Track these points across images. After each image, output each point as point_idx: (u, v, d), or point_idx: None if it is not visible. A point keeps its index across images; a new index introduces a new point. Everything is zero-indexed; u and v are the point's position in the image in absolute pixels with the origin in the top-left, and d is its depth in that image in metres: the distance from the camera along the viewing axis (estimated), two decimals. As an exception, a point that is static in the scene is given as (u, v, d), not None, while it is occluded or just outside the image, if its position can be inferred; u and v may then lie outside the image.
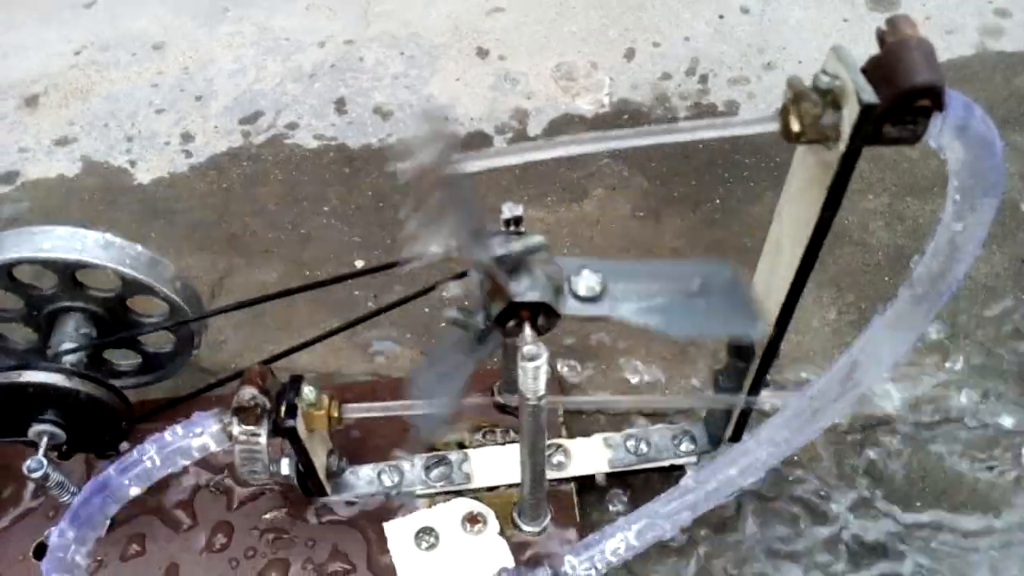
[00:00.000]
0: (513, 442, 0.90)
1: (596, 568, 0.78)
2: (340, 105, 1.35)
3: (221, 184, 1.26)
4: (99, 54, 1.46)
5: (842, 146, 0.53)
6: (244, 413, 0.70)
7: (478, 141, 1.29)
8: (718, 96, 1.35)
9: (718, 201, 1.20)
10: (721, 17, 1.47)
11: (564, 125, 1.31)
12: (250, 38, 1.48)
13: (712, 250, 1.14)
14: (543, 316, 0.64)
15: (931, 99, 0.51)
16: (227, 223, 1.21)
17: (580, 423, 0.98)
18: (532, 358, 0.61)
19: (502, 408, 0.93)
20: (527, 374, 0.63)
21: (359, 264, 1.15)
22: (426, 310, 1.09)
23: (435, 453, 0.88)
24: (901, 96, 0.50)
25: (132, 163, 1.30)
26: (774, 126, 0.56)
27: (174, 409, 0.86)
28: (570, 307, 0.65)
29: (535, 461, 0.74)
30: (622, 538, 0.77)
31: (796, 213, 0.61)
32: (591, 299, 0.66)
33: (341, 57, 1.43)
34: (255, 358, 1.05)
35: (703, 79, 1.37)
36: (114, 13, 1.53)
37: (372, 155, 1.28)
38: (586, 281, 0.66)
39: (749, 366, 0.75)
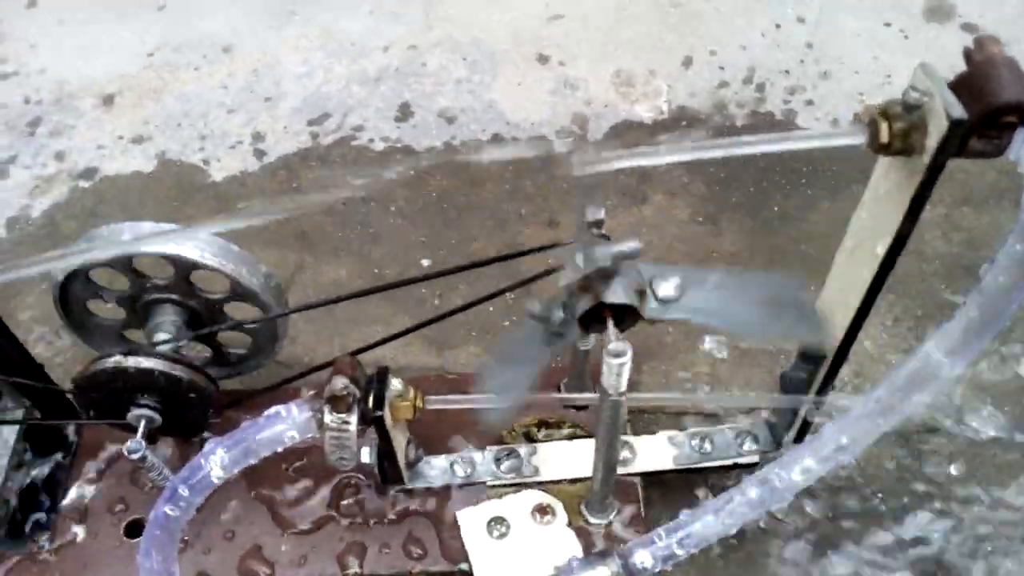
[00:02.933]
0: (578, 437, 0.94)
1: (664, 559, 0.80)
2: (405, 108, 1.39)
3: (291, 183, 1.31)
4: (172, 55, 1.52)
5: (927, 158, 0.55)
6: (336, 402, 0.74)
7: (539, 146, 1.32)
8: (775, 104, 1.37)
9: (776, 208, 1.23)
10: (777, 26, 1.49)
11: (624, 131, 1.34)
12: (316, 41, 1.52)
13: (771, 256, 1.17)
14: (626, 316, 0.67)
15: (1018, 115, 0.53)
16: (298, 221, 1.25)
17: (642, 422, 1.01)
18: (618, 355, 0.64)
19: (568, 404, 0.96)
20: (611, 370, 0.66)
21: (425, 263, 1.19)
22: (491, 309, 1.13)
23: (505, 446, 0.92)
24: (990, 112, 0.52)
25: (205, 161, 1.35)
26: (860, 138, 0.58)
27: (253, 400, 0.90)
28: (651, 310, 0.68)
29: (609, 455, 0.77)
30: (690, 531, 0.80)
31: (875, 222, 0.64)
32: (669, 302, 0.69)
33: (405, 61, 1.47)
34: (327, 351, 1.10)
35: (760, 87, 1.39)
36: (185, 15, 1.59)
37: (437, 157, 1.32)
38: (665, 285, 0.69)
39: (817, 370, 0.77)
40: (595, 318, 0.68)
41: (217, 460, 0.77)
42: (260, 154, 1.35)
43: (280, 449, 0.77)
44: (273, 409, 0.77)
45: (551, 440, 0.93)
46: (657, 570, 0.80)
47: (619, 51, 1.47)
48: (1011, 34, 1.43)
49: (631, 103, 1.38)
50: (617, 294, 0.65)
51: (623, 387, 0.68)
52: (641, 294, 0.68)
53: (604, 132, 1.34)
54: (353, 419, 0.75)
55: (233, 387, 0.98)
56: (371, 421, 0.76)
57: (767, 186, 1.26)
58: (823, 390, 0.79)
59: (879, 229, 0.63)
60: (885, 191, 0.62)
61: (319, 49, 1.51)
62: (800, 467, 0.80)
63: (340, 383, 0.74)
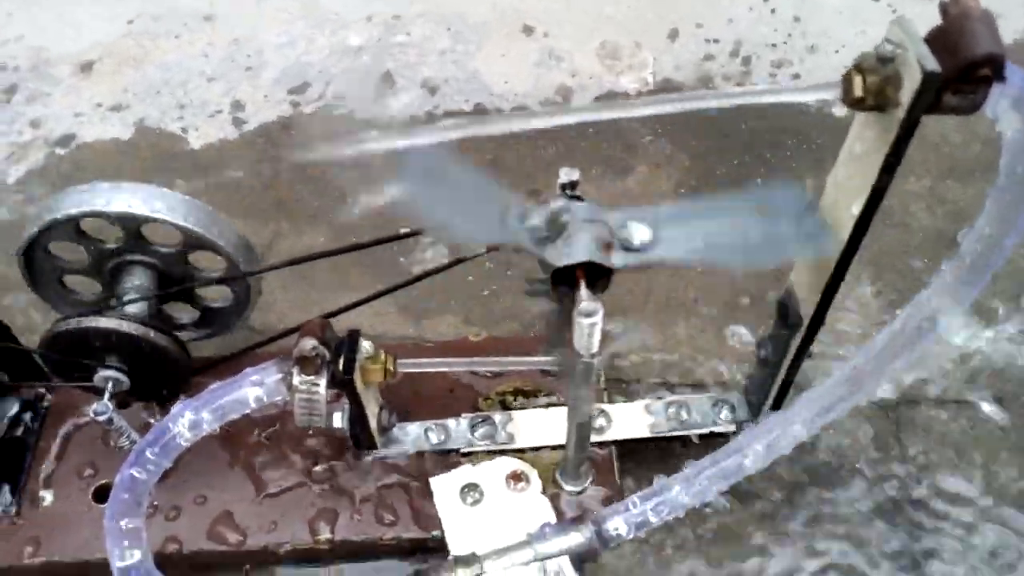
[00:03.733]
0: (554, 406, 0.93)
1: (638, 526, 0.80)
2: (387, 78, 1.38)
3: (270, 152, 1.29)
4: (152, 24, 1.49)
5: (902, 113, 0.54)
6: (305, 363, 0.73)
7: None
8: (761, 78, 1.36)
9: (759, 181, 1.22)
10: (764, 0, 1.48)
11: (608, 103, 1.33)
12: (297, 12, 1.50)
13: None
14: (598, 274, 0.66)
15: (992, 69, 0.52)
16: (275, 189, 1.24)
17: (620, 392, 1.00)
18: (588, 314, 0.63)
19: (546, 372, 0.95)
20: (582, 331, 0.65)
21: (403, 230, 1.18)
22: (470, 279, 1.12)
23: (480, 413, 0.91)
24: (963, 66, 0.51)
25: (184, 129, 1.33)
26: (833, 92, 0.57)
27: (226, 364, 0.89)
28: (621, 259, 0.66)
29: (582, 420, 0.77)
30: (665, 499, 0.80)
31: (851, 180, 0.63)
32: (642, 249, 0.66)
33: (388, 32, 1.45)
34: (302, 318, 1.09)
35: (746, 61, 1.38)
36: (166, -17, 1.56)
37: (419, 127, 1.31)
38: (636, 231, 0.66)
39: (794, 334, 0.77)
40: (567, 278, 0.67)
41: (185, 422, 0.76)
42: (239, 123, 1.33)
43: (249, 411, 0.76)
44: (242, 372, 0.77)
45: (527, 408, 0.92)
46: (630, 537, 0.80)
47: (604, 23, 1.45)
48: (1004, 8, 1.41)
49: (616, 75, 1.37)
50: (566, 256, 0.63)
51: (595, 348, 0.67)
52: (608, 246, 0.66)
53: (588, 103, 1.32)
54: (323, 381, 0.74)
55: (207, 354, 0.97)
56: (341, 383, 0.75)
57: (751, 160, 1.25)
58: (799, 356, 0.79)
59: (855, 188, 0.62)
60: (861, 149, 0.61)
61: (301, 19, 1.49)
62: (773, 436, 0.80)
63: (309, 344, 0.73)
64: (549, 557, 0.77)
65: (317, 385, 0.74)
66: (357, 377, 0.76)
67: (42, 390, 0.94)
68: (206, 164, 1.28)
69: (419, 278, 0.88)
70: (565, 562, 0.76)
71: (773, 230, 0.67)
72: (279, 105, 1.35)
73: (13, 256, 0.84)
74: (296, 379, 0.74)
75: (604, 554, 0.80)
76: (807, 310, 0.73)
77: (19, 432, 0.92)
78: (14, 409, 0.92)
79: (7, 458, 0.90)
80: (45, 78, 1.41)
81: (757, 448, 0.79)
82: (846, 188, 0.64)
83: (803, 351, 0.78)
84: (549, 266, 0.63)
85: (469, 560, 0.77)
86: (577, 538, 0.78)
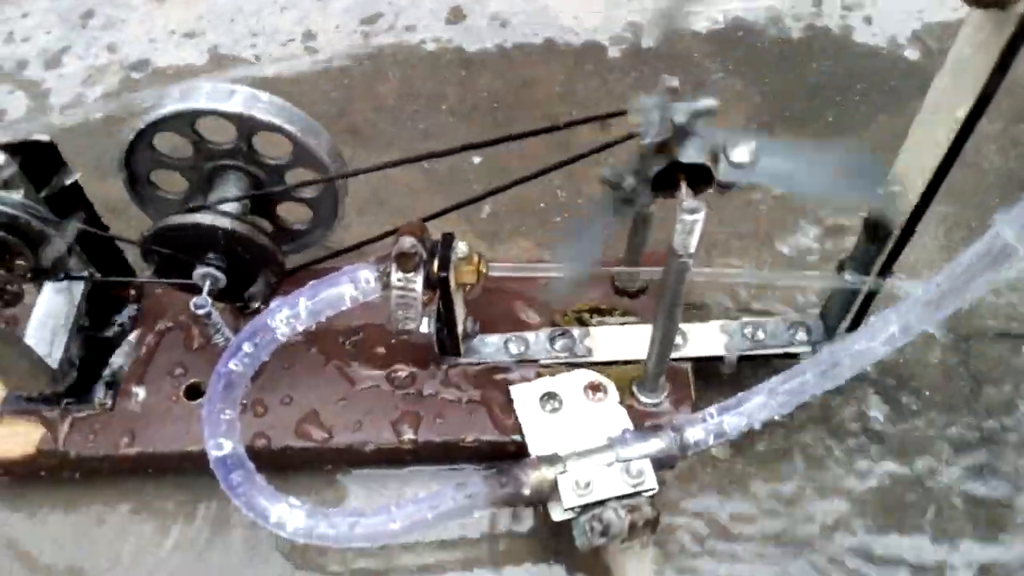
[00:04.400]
0: (630, 324, 0.95)
1: (716, 436, 0.82)
2: (457, 11, 1.39)
3: (342, 80, 1.31)
4: (224, -47, 1.51)
5: (1022, 7, 0.55)
6: (404, 259, 0.75)
7: (593, 52, 1.32)
8: (831, 19, 1.35)
9: (830, 119, 1.22)
10: (837, -58, 1.47)
11: (676, 41, 1.33)
12: (368, -55, 1.51)
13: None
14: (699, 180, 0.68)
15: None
16: (348, 117, 1.26)
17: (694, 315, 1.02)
18: (692, 211, 0.65)
19: (620, 292, 0.97)
20: (684, 227, 0.66)
21: (476, 160, 1.20)
22: (542, 206, 1.14)
23: (558, 327, 0.93)
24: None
25: (257, 57, 1.35)
26: None
27: (315, 269, 0.91)
28: (724, 172, 0.68)
29: (669, 325, 0.78)
30: (744, 410, 0.81)
31: (957, 86, 0.64)
32: (743, 167, 0.69)
33: (458, -35, 1.46)
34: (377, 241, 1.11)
35: (817, 1, 1.37)
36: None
37: (488, 59, 1.32)
38: (739, 151, 0.69)
39: (881, 248, 0.78)
40: (668, 180, 0.68)
41: (282, 317, 0.79)
42: (311, 51, 1.35)
43: (344, 308, 0.79)
44: (339, 270, 0.79)
45: (604, 325, 0.94)
46: (707, 446, 0.82)
47: (674, -37, 1.45)
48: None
49: (685, 14, 1.37)
50: (692, 154, 0.66)
51: (692, 248, 0.68)
52: (715, 158, 0.68)
53: (657, 40, 1.33)
54: (419, 279, 0.76)
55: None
56: (436, 282, 0.77)
57: (821, 101, 1.25)
58: (885, 272, 0.80)
59: (961, 93, 0.63)
60: (971, 51, 0.62)
61: (372, -49, 1.50)
62: (854, 351, 0.81)
63: (408, 241, 0.75)
64: (630, 460, 0.79)
65: (414, 283, 0.76)
66: (451, 276, 0.78)
67: (133, 292, 0.97)
68: (278, 91, 1.29)
69: (499, 190, 0.89)
70: (646, 464, 0.79)
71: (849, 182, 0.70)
72: (350, 35, 1.36)
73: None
74: (394, 276, 0.76)
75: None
76: (900, 219, 0.74)
77: (113, 332, 0.96)
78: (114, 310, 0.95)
79: (102, 356, 0.93)
80: (120, 6, 1.44)
81: (837, 364, 0.81)
82: (950, 94, 0.65)
83: (888, 267, 0.79)
84: (669, 158, 0.65)
85: (552, 459, 0.80)
86: (657, 444, 0.80)
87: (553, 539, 0.87)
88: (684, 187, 0.67)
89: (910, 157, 0.72)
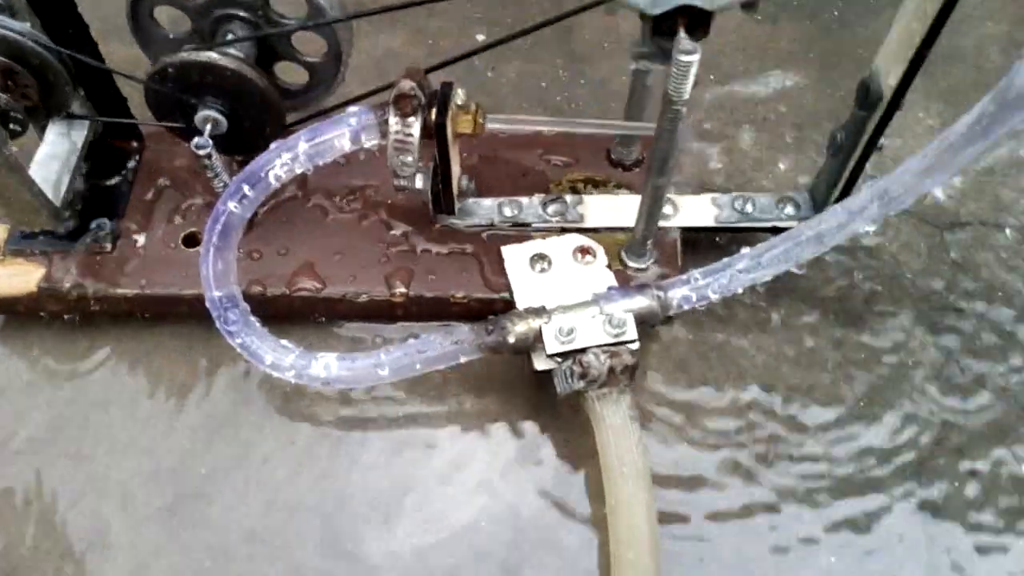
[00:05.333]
0: (623, 194, 0.96)
1: (699, 298, 0.84)
2: None
3: (349, -45, 1.30)
4: None
5: None
6: (403, 101, 0.76)
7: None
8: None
9: (836, 13, 1.22)
10: None
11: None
12: None
13: (825, 58, 1.17)
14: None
15: None
16: (354, -9, 1.25)
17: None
18: (687, 52, 0.66)
19: (615, 164, 0.98)
20: (679, 71, 0.67)
21: (480, 38, 1.20)
22: (543, 85, 1.14)
23: (551, 193, 0.94)
24: None
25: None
26: None
27: (315, 120, 0.92)
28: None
29: (660, 181, 0.80)
30: (729, 274, 0.83)
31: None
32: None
33: None
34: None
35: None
36: None
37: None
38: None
39: (872, 115, 0.79)
40: (668, 26, 0.69)
41: (280, 160, 0.80)
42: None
43: (344, 152, 0.80)
44: (337, 115, 0.80)
45: (596, 193, 0.96)
46: (690, 306, 0.84)
47: None
48: None
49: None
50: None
51: (686, 95, 0.69)
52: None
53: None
54: (417, 124, 0.78)
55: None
56: (434, 128, 0.79)
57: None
58: (872, 143, 0.81)
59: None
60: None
61: None
62: (842, 219, 0.83)
63: (408, 84, 0.76)
64: (613, 314, 0.81)
65: (411, 127, 0.78)
66: (449, 124, 0.79)
67: (135, 144, 0.99)
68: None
69: (498, 43, 0.88)
70: (629, 316, 0.81)
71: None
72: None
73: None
74: (392, 120, 0.78)
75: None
76: (890, 83, 0.75)
77: (115, 181, 0.97)
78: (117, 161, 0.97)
79: (103, 203, 0.95)
80: None
81: (824, 231, 0.83)
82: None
83: (878, 134, 0.80)
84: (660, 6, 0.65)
85: (539, 311, 0.82)
86: (641, 301, 0.83)
87: (535, 394, 0.90)
88: (682, 32, 0.67)
89: (901, 26, 0.73)
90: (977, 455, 0.87)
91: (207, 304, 0.84)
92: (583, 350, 0.79)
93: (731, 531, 0.83)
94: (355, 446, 0.88)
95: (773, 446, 0.88)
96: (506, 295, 0.89)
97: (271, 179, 0.81)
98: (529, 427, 0.89)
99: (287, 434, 0.89)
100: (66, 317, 0.94)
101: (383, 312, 0.92)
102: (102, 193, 0.96)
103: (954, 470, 0.86)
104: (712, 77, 1.15)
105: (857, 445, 0.88)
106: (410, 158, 0.79)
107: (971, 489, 0.85)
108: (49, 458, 0.88)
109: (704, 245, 0.97)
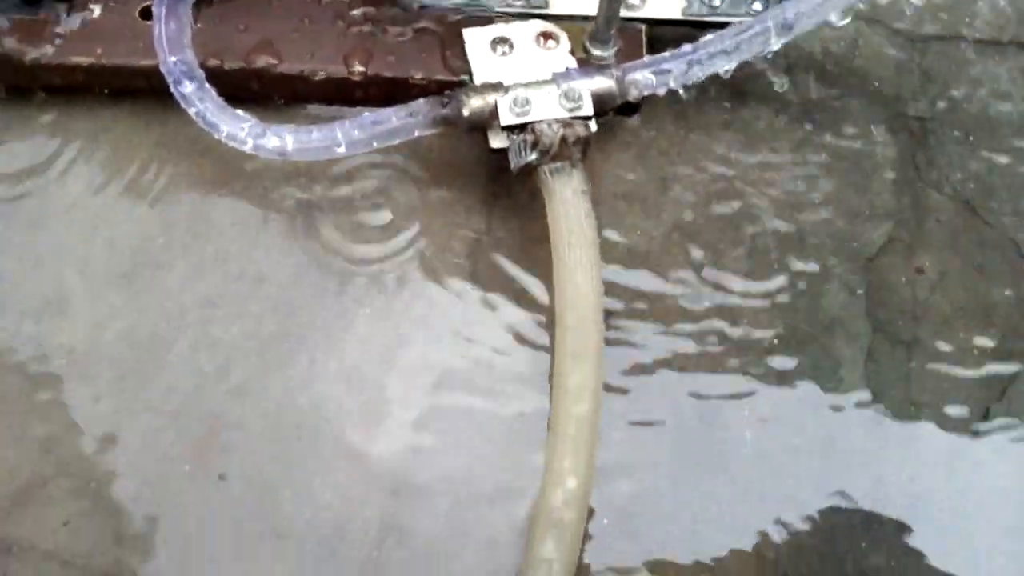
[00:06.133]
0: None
1: (659, 81, 0.83)
2: None
3: None
4: None
5: None
6: None
7: None
8: None
9: None
10: None
11: None
12: None
13: None
14: None
15: None
16: None
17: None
18: None
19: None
20: None
21: None
22: None
23: (518, -22, 0.92)
24: None
25: None
26: None
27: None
28: None
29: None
30: (693, 58, 0.83)
31: None
32: None
33: None
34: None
35: None
36: None
37: None
38: None
39: None
40: None
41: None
42: None
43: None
44: None
45: (563, -17, 0.94)
46: (651, 90, 0.84)
47: None
48: None
49: None
50: None
51: None
52: None
53: None
54: None
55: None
56: None
57: None
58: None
59: None
60: None
61: None
62: (808, 6, 0.82)
63: None
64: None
65: None
66: None
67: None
68: None
69: None
70: (586, 92, 0.81)
71: None
72: None
73: None
74: None
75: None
76: None
77: (68, -50, 0.94)
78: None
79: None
80: None
81: (789, 17, 0.82)
82: None
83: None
84: None
85: (496, 86, 0.82)
86: (601, 81, 0.82)
87: (492, 183, 0.91)
88: None
89: None
90: (923, 254, 0.89)
91: (161, 69, 0.83)
92: (538, 122, 0.79)
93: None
94: (313, 224, 0.89)
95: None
96: (466, 78, 0.88)
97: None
98: (485, 213, 0.90)
99: (246, 209, 0.89)
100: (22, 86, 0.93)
101: (342, 93, 0.91)
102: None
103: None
104: None
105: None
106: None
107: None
108: (8, 224, 0.88)
109: (672, 43, 0.96)
